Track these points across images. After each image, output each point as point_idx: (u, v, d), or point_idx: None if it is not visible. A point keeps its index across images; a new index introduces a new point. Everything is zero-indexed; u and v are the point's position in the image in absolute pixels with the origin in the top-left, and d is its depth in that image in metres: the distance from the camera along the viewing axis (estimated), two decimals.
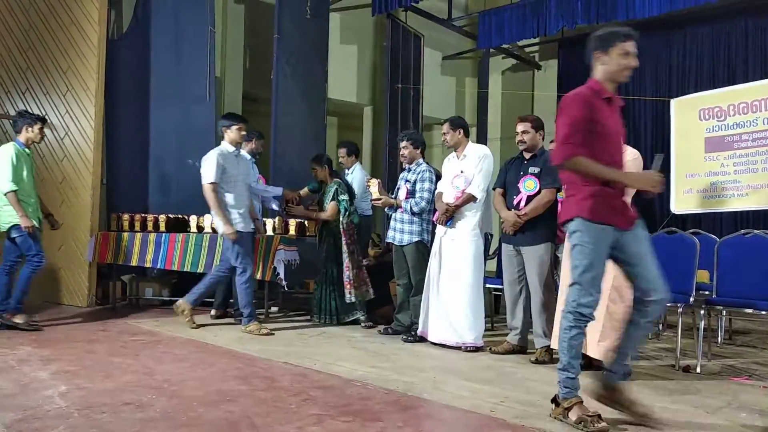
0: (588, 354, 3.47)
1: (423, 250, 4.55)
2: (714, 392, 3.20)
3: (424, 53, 9.27)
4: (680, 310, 3.78)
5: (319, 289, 5.17)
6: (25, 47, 6.36)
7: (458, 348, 4.15)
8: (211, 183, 4.51)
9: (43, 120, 4.87)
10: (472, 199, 4.20)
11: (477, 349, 4.14)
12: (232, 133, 4.70)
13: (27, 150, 4.72)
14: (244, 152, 5.07)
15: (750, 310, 3.73)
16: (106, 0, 5.96)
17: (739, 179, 6.00)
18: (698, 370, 3.67)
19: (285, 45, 6.96)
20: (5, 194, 4.51)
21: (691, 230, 5.02)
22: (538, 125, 4.06)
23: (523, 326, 4.09)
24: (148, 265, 5.47)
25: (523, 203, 3.98)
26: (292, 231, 5.61)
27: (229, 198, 4.62)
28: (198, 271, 5.25)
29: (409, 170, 4.68)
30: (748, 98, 6.00)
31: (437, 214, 4.33)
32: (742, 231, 4.22)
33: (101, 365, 3.46)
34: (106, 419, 2.48)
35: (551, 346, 3.75)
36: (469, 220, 4.24)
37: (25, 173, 4.66)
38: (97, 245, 5.50)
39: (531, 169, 4.00)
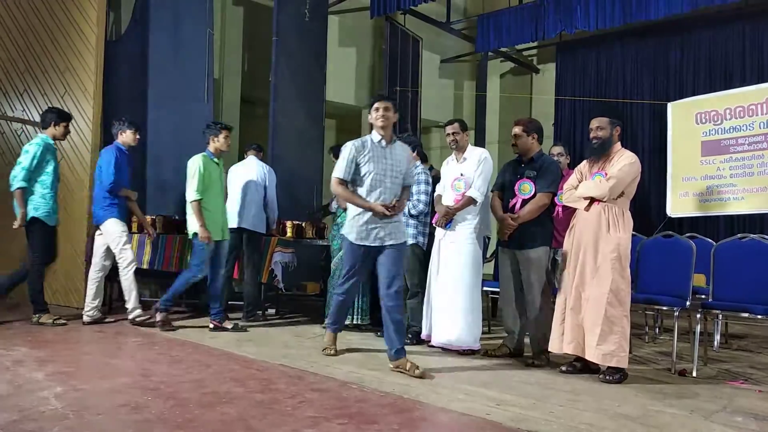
0: (586, 357, 3.49)
1: (418, 252, 4.55)
2: (710, 396, 3.21)
3: (423, 56, 9.29)
4: (676, 314, 3.79)
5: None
6: (23, 48, 6.35)
7: (455, 351, 4.15)
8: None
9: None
10: (472, 202, 4.20)
11: (473, 352, 4.14)
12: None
13: (215, 159, 4.80)
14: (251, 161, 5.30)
15: (746, 315, 3.73)
16: (104, 1, 5.96)
17: (735, 183, 6.02)
18: (694, 374, 3.68)
19: (283, 47, 6.97)
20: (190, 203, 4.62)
21: (688, 234, 5.04)
22: (530, 128, 4.05)
23: (519, 330, 4.10)
24: (145, 266, 5.46)
25: (518, 206, 3.98)
26: (289, 233, 5.63)
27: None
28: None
29: None
30: (745, 102, 6.03)
31: (437, 216, 4.34)
32: (739, 235, 4.24)
33: (97, 366, 3.45)
34: (101, 421, 2.48)
35: (548, 349, 3.76)
36: (468, 223, 4.24)
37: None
38: (93, 246, 5.49)
39: (527, 173, 4.01)
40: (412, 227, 4.53)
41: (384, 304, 3.65)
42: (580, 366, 3.64)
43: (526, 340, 4.07)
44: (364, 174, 3.66)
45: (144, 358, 3.72)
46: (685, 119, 6.42)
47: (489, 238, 4.67)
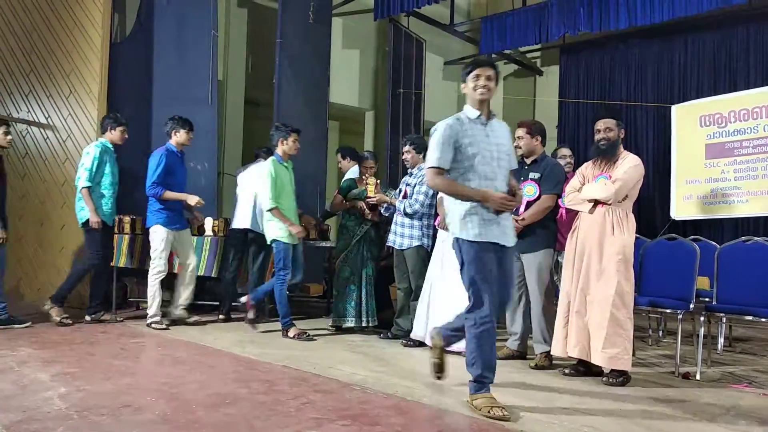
0: (591, 361, 3.47)
1: (423, 254, 4.55)
2: (714, 399, 3.20)
3: (426, 58, 9.29)
4: (680, 316, 3.78)
5: (356, 291, 4.95)
6: (28, 50, 6.39)
7: (458, 353, 4.14)
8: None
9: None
10: None
11: None
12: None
13: (284, 163, 4.77)
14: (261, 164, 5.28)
15: (750, 317, 3.72)
16: (109, 3, 6.00)
17: (740, 186, 6.01)
18: (698, 377, 3.67)
19: (287, 49, 6.99)
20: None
21: (692, 237, 5.02)
22: (534, 130, 4.06)
23: (522, 332, 4.10)
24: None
25: (522, 208, 3.98)
26: None
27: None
28: (199, 273, 5.26)
29: (411, 174, 4.70)
30: (749, 105, 6.01)
31: (439, 218, 4.34)
32: (743, 238, 4.23)
33: (101, 367, 3.46)
34: (105, 421, 2.49)
35: (551, 352, 3.75)
36: None
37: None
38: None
39: (531, 175, 4.01)
40: (417, 228, 4.54)
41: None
42: (583, 369, 3.64)
43: (529, 342, 4.07)
44: (467, 158, 2.89)
45: (148, 359, 3.73)
46: (690, 122, 6.41)
47: None
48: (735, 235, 7.13)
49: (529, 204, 3.97)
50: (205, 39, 6.39)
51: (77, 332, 4.58)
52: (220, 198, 6.95)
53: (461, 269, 2.95)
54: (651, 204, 8.30)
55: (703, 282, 4.50)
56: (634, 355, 3.64)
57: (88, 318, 4.98)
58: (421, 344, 4.41)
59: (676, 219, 6.41)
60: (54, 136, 6.15)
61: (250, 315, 4.75)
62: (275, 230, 4.61)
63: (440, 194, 4.46)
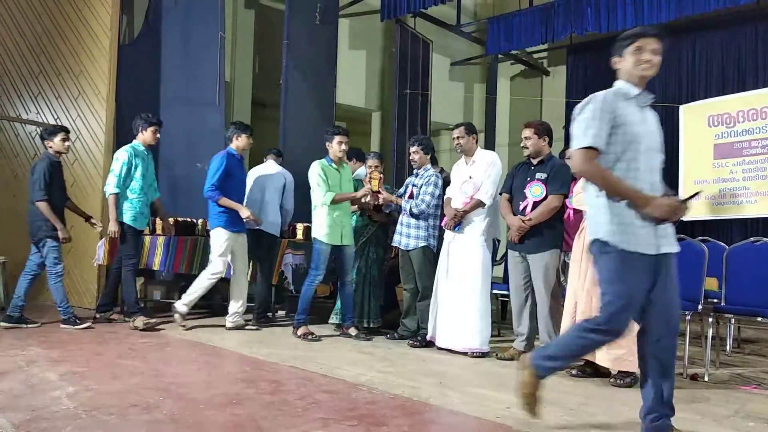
0: (596, 362, 3.46)
1: (429, 255, 4.55)
2: (722, 401, 3.18)
3: (433, 59, 9.29)
4: (688, 317, 3.76)
5: (358, 291, 4.96)
6: (37, 51, 6.43)
7: (464, 353, 4.15)
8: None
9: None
10: (480, 205, 4.20)
11: (483, 355, 4.13)
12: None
13: (334, 165, 4.75)
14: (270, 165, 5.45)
15: (759, 318, 3.70)
16: (117, 5, 6.03)
17: (748, 186, 5.98)
18: (706, 378, 3.65)
19: (294, 51, 7.00)
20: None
21: (700, 237, 4.99)
22: (541, 131, 4.06)
23: (529, 332, 4.09)
24: (156, 268, 5.51)
25: (529, 209, 3.98)
26: (299, 236, 5.64)
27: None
28: (193, 272, 5.28)
29: (417, 175, 4.70)
30: (758, 105, 5.99)
31: (445, 219, 4.34)
32: (752, 238, 4.20)
33: (109, 367, 3.48)
34: (113, 421, 2.50)
35: None
36: (477, 225, 4.24)
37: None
38: (106, 248, 5.54)
39: (538, 175, 4.00)
40: (423, 229, 4.54)
41: (652, 349, 2.41)
42: (591, 370, 3.63)
43: (536, 342, 4.06)
44: (626, 142, 2.31)
45: (155, 359, 3.75)
46: (698, 122, 6.39)
47: (498, 241, 4.67)
48: (743, 235, 7.08)
49: (535, 204, 3.96)
50: (213, 40, 6.42)
51: (85, 332, 4.60)
52: None
53: (600, 277, 2.38)
54: None
55: (711, 283, 4.46)
56: None
57: (97, 316, 4.99)
58: (428, 344, 4.41)
59: (684, 219, 6.37)
60: None
61: (353, 332, 4.70)
62: (315, 229, 4.65)
63: (447, 195, 4.47)
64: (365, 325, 4.94)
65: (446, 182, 4.65)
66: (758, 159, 5.90)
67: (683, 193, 6.31)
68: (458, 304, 4.20)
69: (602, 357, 3.39)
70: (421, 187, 4.59)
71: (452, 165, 4.63)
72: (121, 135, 6.25)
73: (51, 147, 4.80)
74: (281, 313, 5.78)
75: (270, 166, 5.54)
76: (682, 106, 6.66)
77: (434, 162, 4.91)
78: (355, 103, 8.94)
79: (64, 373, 3.28)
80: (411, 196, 4.61)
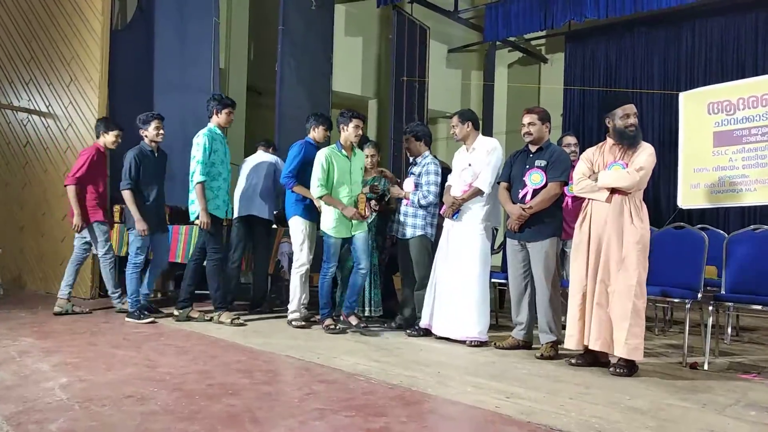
0: (614, 353, 3.41)
1: (426, 244, 4.51)
2: (723, 390, 3.16)
3: (430, 46, 9.19)
4: (688, 306, 3.74)
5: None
6: (28, 38, 6.33)
7: (463, 342, 4.12)
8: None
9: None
10: (479, 192, 4.16)
11: (482, 344, 4.10)
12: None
13: (343, 152, 4.50)
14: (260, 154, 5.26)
15: (759, 307, 3.67)
16: None
17: (748, 174, 5.93)
18: (706, 367, 3.63)
19: (290, 37, 6.91)
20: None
21: (699, 225, 4.96)
22: (544, 117, 4.00)
23: (528, 321, 4.06)
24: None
25: (529, 197, 3.93)
26: None
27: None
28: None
29: (415, 163, 4.65)
30: (758, 92, 5.92)
31: (444, 207, 4.30)
32: (752, 227, 4.17)
33: (103, 357, 3.44)
34: (107, 412, 2.46)
35: (565, 346, 3.68)
36: (476, 213, 4.20)
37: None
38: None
39: (537, 162, 3.95)
40: (421, 218, 4.49)
41: None
42: (590, 359, 3.59)
43: (535, 331, 4.03)
44: None
45: (150, 349, 3.71)
46: (697, 109, 6.32)
47: (497, 229, 4.62)
48: (741, 223, 7.07)
49: (535, 192, 3.91)
50: (207, 26, 6.32)
51: (79, 322, 4.56)
52: None
53: None
54: (657, 192, 8.23)
55: (710, 271, 4.45)
56: None
57: (176, 313, 4.76)
58: (426, 333, 4.38)
59: (683, 208, 6.34)
60: (55, 125, 6.10)
61: (353, 321, 4.50)
62: (323, 221, 4.48)
63: (447, 183, 4.42)
64: (366, 314, 4.90)
65: (447, 171, 4.59)
66: (758, 147, 5.83)
67: (682, 180, 6.27)
68: (457, 292, 4.16)
69: (619, 348, 3.34)
70: (420, 176, 4.53)
71: (449, 153, 4.57)
72: (114, 122, 6.17)
73: (146, 136, 4.73)
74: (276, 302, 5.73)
75: (259, 156, 5.47)
76: (682, 93, 6.58)
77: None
78: (351, 90, 8.85)
79: (57, 364, 3.23)
80: (415, 186, 4.55)
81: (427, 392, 2.93)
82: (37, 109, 6.26)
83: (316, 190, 4.39)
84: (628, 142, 3.51)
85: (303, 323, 4.58)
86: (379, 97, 9.31)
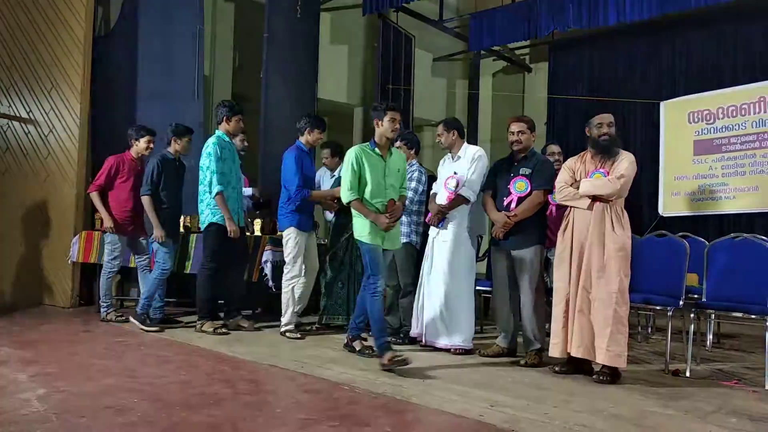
0: (596, 360, 3.42)
1: (411, 251, 4.51)
2: (704, 397, 3.18)
3: (415, 54, 9.23)
4: (670, 313, 3.77)
5: (344, 288, 4.85)
6: (9, 43, 6.25)
7: (448, 350, 4.12)
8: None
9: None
10: (464, 201, 4.17)
11: (466, 352, 4.10)
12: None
13: (376, 151, 3.93)
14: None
15: (739, 314, 3.71)
16: None
17: (727, 182, 6.03)
18: (688, 374, 3.66)
19: (275, 44, 6.89)
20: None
21: (680, 233, 5.02)
22: (532, 126, 4.05)
23: (512, 329, 4.06)
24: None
25: (513, 204, 3.94)
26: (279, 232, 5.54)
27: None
28: (185, 271, 5.18)
29: None
30: (737, 102, 6.03)
31: (430, 215, 4.30)
32: (732, 235, 4.22)
33: (82, 367, 3.38)
34: (84, 423, 2.42)
35: (549, 354, 3.69)
36: (461, 221, 4.21)
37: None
38: (81, 245, 5.41)
39: (522, 170, 3.97)
40: (406, 225, 4.49)
41: None
42: (573, 367, 3.61)
43: (520, 339, 4.04)
44: None
45: (131, 359, 3.66)
46: (678, 118, 6.42)
47: (482, 237, 4.63)
48: (721, 231, 7.15)
49: (520, 200, 3.93)
50: (191, 33, 6.29)
51: (59, 331, 4.48)
52: None
53: None
54: (639, 200, 8.30)
55: (692, 279, 4.49)
56: None
57: (228, 323, 4.71)
58: (411, 341, 4.36)
59: (664, 215, 6.41)
60: (36, 131, 6.02)
61: (357, 346, 4.01)
62: (356, 230, 3.86)
63: (433, 191, 4.42)
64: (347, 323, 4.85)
65: (432, 179, 4.60)
66: (737, 155, 5.94)
67: (663, 188, 6.34)
68: (442, 300, 4.15)
69: (600, 355, 3.36)
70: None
71: (435, 161, 4.59)
72: (97, 129, 6.11)
73: (178, 150, 4.79)
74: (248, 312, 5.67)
75: None
76: (663, 102, 6.69)
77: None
78: (336, 98, 8.84)
79: (35, 374, 3.17)
80: None
81: (411, 401, 2.92)
82: (18, 115, 6.17)
83: (346, 194, 3.80)
84: (600, 150, 3.58)
85: (299, 335, 4.51)
86: (365, 105, 9.31)
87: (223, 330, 4.52)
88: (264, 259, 5.11)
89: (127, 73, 6.26)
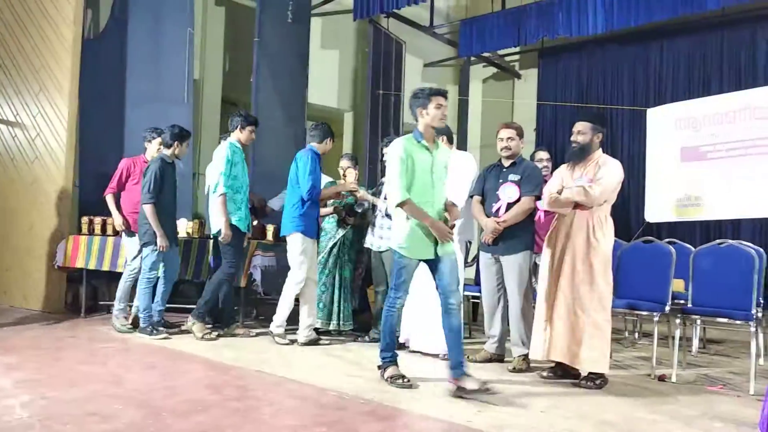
0: (572, 365, 3.44)
1: None
2: (690, 402, 3.21)
3: (406, 60, 9.26)
4: (656, 319, 3.80)
5: (328, 293, 4.82)
6: None
7: (436, 356, 4.12)
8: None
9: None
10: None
11: None
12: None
13: (423, 142, 3.44)
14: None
15: (725, 320, 3.75)
16: None
17: (713, 189, 6.10)
18: (674, 379, 3.69)
19: (265, 49, 6.90)
20: None
21: (667, 239, 5.06)
22: (521, 133, 4.09)
23: (500, 334, 4.08)
24: (120, 270, 5.32)
25: (502, 210, 3.96)
26: (269, 236, 5.54)
27: None
28: (187, 278, 5.15)
29: None
30: (723, 109, 6.11)
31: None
32: (717, 241, 4.26)
33: (67, 373, 3.35)
34: (69, 430, 2.39)
35: (529, 356, 3.73)
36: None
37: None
38: (67, 249, 5.35)
39: (511, 177, 3.99)
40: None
41: None
42: (561, 372, 3.63)
43: (508, 345, 4.05)
44: None
45: (117, 365, 3.62)
46: (665, 125, 6.49)
47: (470, 243, 4.65)
48: (706, 237, 7.23)
49: (509, 206, 3.95)
50: (182, 37, 6.28)
51: (44, 337, 4.43)
52: (195, 199, 6.82)
53: None
54: (626, 206, 8.38)
55: (678, 284, 4.53)
56: (610, 357, 3.64)
57: (240, 332, 4.70)
58: (400, 347, 4.36)
59: (650, 221, 6.47)
60: (23, 135, 5.96)
61: (389, 373, 3.39)
62: (393, 235, 3.49)
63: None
64: (331, 328, 4.84)
65: None
66: (723, 163, 6.02)
67: (649, 194, 6.40)
68: (430, 306, 4.15)
69: (578, 360, 3.39)
70: None
71: None
72: (84, 133, 6.07)
73: (176, 154, 4.70)
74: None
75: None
76: (650, 109, 6.76)
77: None
78: (327, 103, 8.85)
79: (20, 380, 3.13)
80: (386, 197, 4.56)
81: (399, 407, 2.92)
82: (5, 118, 6.11)
83: (398, 193, 3.27)
84: (569, 158, 3.68)
85: (287, 342, 4.46)
86: (355, 110, 9.33)
87: (211, 336, 4.49)
88: (253, 263, 5.09)
89: (117, 76, 6.23)
